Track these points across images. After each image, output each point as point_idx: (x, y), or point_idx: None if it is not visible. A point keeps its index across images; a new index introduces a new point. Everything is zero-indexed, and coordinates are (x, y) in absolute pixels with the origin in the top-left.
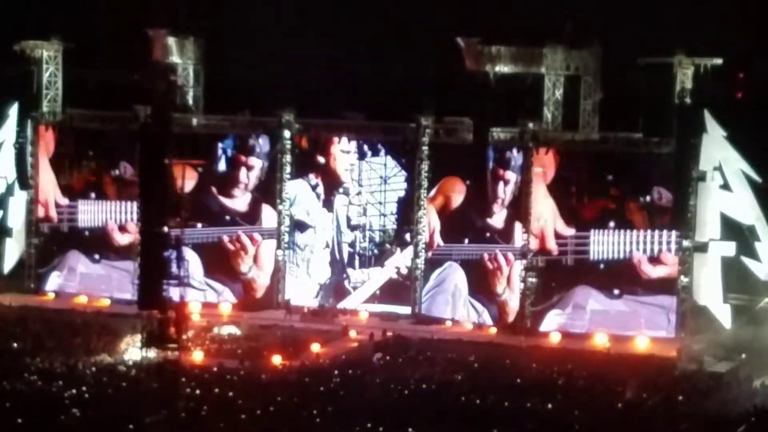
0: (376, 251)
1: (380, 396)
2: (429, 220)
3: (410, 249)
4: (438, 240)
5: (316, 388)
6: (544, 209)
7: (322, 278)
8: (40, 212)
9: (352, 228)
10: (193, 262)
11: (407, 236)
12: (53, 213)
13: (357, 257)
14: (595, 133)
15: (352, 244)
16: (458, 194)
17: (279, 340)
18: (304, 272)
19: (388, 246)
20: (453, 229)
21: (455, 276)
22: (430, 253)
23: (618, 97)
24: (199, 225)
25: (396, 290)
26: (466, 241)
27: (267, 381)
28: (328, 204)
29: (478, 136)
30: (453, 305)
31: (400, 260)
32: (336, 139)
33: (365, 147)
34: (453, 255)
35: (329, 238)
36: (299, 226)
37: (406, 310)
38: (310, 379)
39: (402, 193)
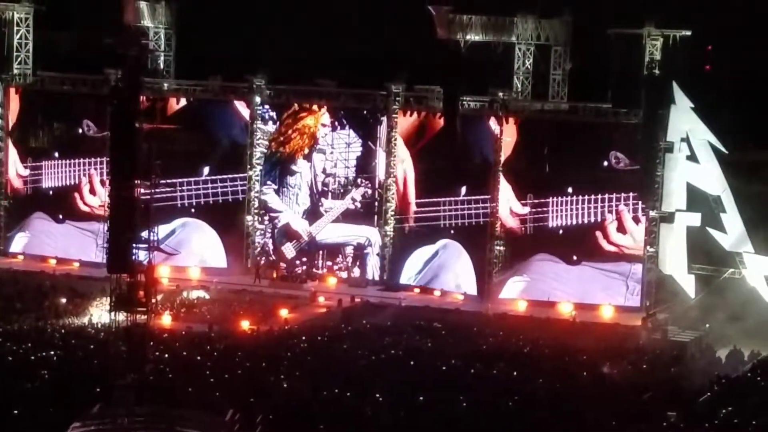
0: (342, 190)
1: (348, 361)
2: (391, 166)
3: (362, 188)
4: (413, 203)
5: (284, 353)
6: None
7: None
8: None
9: (327, 175)
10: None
11: (358, 180)
12: (13, 175)
13: (329, 193)
14: (565, 104)
15: (325, 184)
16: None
17: (248, 304)
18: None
19: (349, 187)
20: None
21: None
22: (407, 226)
23: (587, 67)
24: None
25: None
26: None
27: (235, 345)
28: (308, 157)
29: (448, 104)
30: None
31: (354, 193)
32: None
33: (335, 122)
34: (442, 221)
35: (308, 180)
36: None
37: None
38: (278, 344)
39: (359, 153)
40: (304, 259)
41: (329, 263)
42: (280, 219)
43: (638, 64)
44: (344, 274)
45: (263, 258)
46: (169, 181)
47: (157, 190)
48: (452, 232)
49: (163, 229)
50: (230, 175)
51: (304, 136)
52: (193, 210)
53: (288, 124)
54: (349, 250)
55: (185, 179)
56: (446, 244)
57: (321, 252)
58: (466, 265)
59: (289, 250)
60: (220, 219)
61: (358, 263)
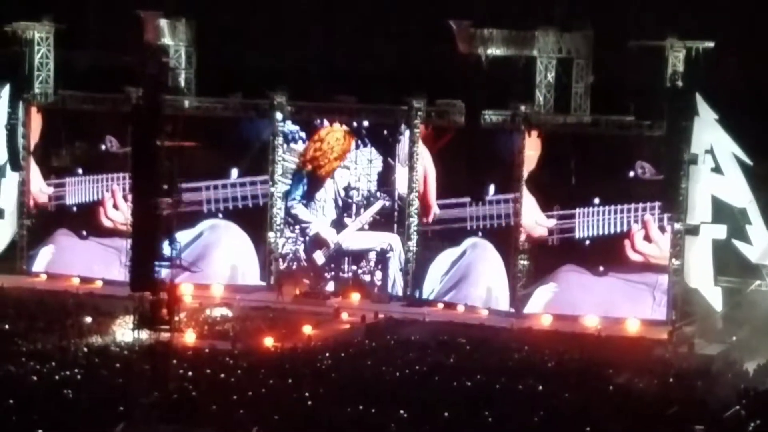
0: (365, 202)
1: (372, 378)
2: (413, 181)
3: (380, 201)
4: (434, 205)
5: (308, 370)
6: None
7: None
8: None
9: (350, 188)
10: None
11: (378, 194)
12: (37, 193)
13: (354, 205)
14: (587, 117)
15: (349, 196)
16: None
17: (271, 321)
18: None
19: (371, 200)
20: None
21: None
22: (429, 230)
23: (610, 80)
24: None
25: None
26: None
27: (259, 362)
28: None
29: (470, 119)
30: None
31: (374, 208)
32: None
33: (358, 141)
34: (469, 222)
35: (333, 193)
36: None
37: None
38: (302, 361)
39: (380, 168)
40: (332, 265)
41: (354, 267)
42: (310, 229)
43: (661, 76)
44: (368, 278)
45: (294, 264)
46: (195, 185)
47: (182, 195)
48: (480, 234)
49: (189, 233)
50: (260, 177)
51: (336, 161)
52: (220, 215)
53: (320, 150)
54: (372, 255)
55: (212, 182)
56: (475, 242)
57: (347, 258)
58: (497, 267)
59: (319, 257)
60: (249, 223)
61: (380, 267)
